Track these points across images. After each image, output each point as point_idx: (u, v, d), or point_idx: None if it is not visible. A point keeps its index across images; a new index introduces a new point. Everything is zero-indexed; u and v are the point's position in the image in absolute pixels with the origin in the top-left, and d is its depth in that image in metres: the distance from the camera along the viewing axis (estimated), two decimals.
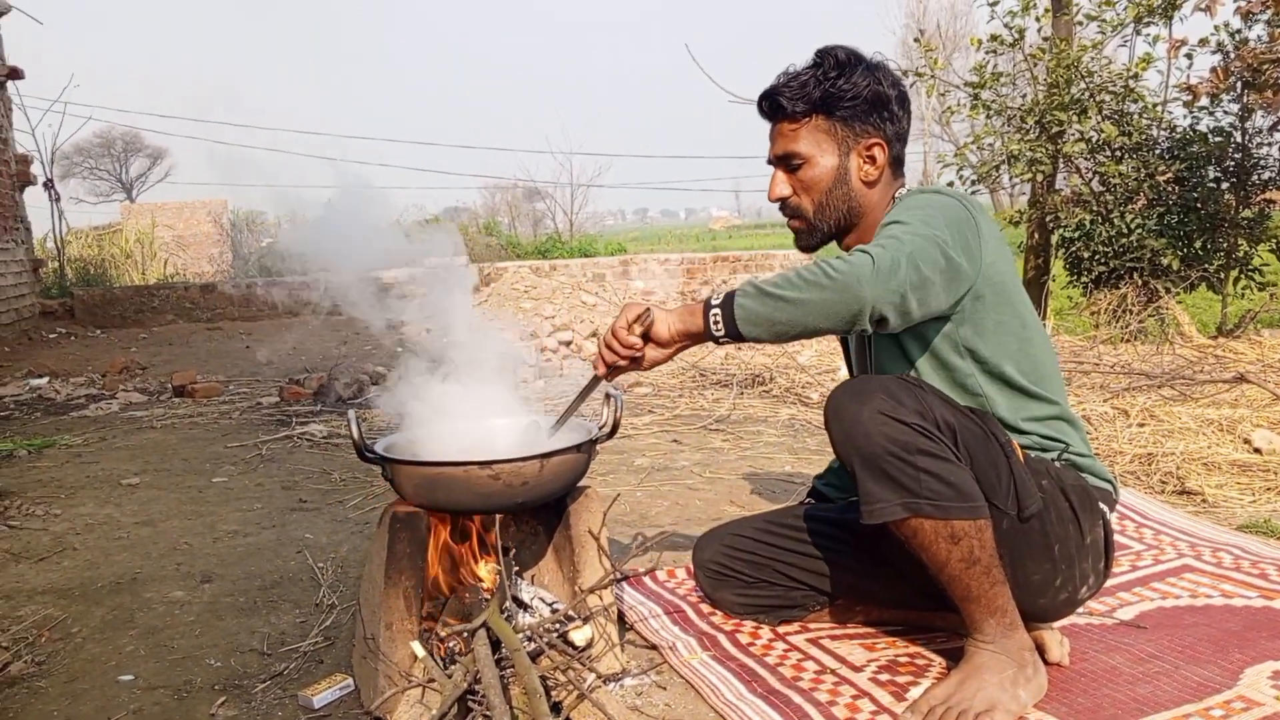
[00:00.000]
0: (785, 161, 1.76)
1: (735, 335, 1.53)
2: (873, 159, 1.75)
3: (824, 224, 1.78)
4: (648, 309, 1.61)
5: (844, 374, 5.20)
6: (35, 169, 9.16)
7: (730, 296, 1.54)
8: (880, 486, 1.51)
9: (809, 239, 1.81)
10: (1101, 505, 1.71)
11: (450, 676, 1.61)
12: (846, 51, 1.74)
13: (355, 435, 1.73)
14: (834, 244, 1.85)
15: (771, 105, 1.76)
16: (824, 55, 1.74)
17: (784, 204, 1.80)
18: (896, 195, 1.76)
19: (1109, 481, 1.76)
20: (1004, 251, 1.68)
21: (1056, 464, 1.70)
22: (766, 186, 1.81)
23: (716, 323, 1.54)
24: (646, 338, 1.62)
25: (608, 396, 1.89)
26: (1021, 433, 1.70)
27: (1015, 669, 1.57)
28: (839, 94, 1.71)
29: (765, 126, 1.82)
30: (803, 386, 4.90)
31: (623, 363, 1.63)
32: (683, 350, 1.65)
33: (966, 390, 1.70)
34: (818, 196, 1.76)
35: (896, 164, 1.78)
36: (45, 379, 6.15)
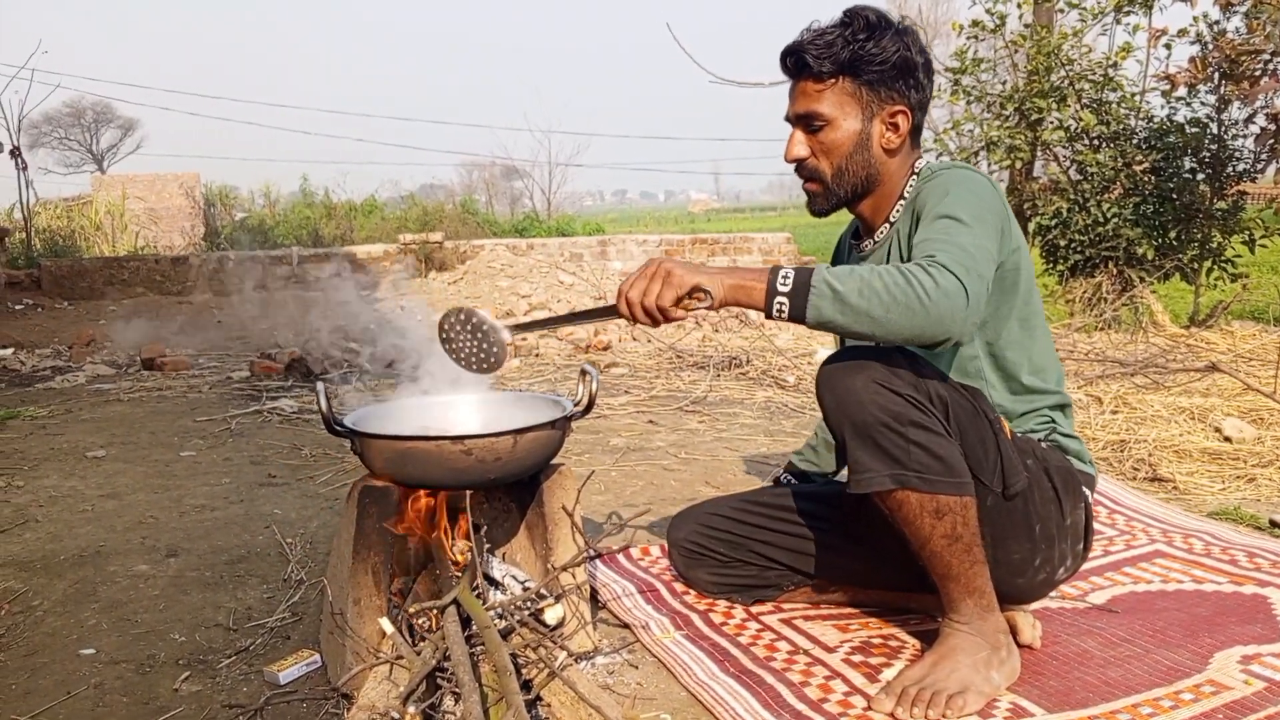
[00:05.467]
0: (806, 122, 1.69)
1: (798, 320, 1.44)
2: (895, 127, 1.69)
3: (841, 189, 1.72)
4: (698, 283, 1.45)
5: (820, 356, 5.20)
6: (1, 136, 8.98)
7: (804, 287, 1.41)
8: (870, 456, 1.49)
9: (823, 203, 1.75)
10: (1084, 489, 1.71)
11: (419, 653, 1.59)
12: (877, 13, 1.67)
13: (324, 408, 1.69)
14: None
15: (796, 62, 1.68)
16: (853, 15, 1.66)
17: (800, 165, 1.73)
18: (916, 167, 1.73)
19: (1091, 465, 1.76)
20: (1023, 240, 1.67)
21: (1043, 444, 1.70)
22: (784, 147, 1.73)
23: (781, 310, 1.44)
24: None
25: (583, 373, 1.86)
26: (1015, 417, 1.70)
27: (989, 651, 1.56)
28: (868, 57, 1.63)
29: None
30: (779, 369, 4.90)
31: (650, 325, 1.50)
32: None
33: (967, 374, 1.69)
34: (837, 161, 1.69)
35: (915, 133, 1.73)
36: (10, 350, 6.04)
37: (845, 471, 1.59)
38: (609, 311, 1.54)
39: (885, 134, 1.69)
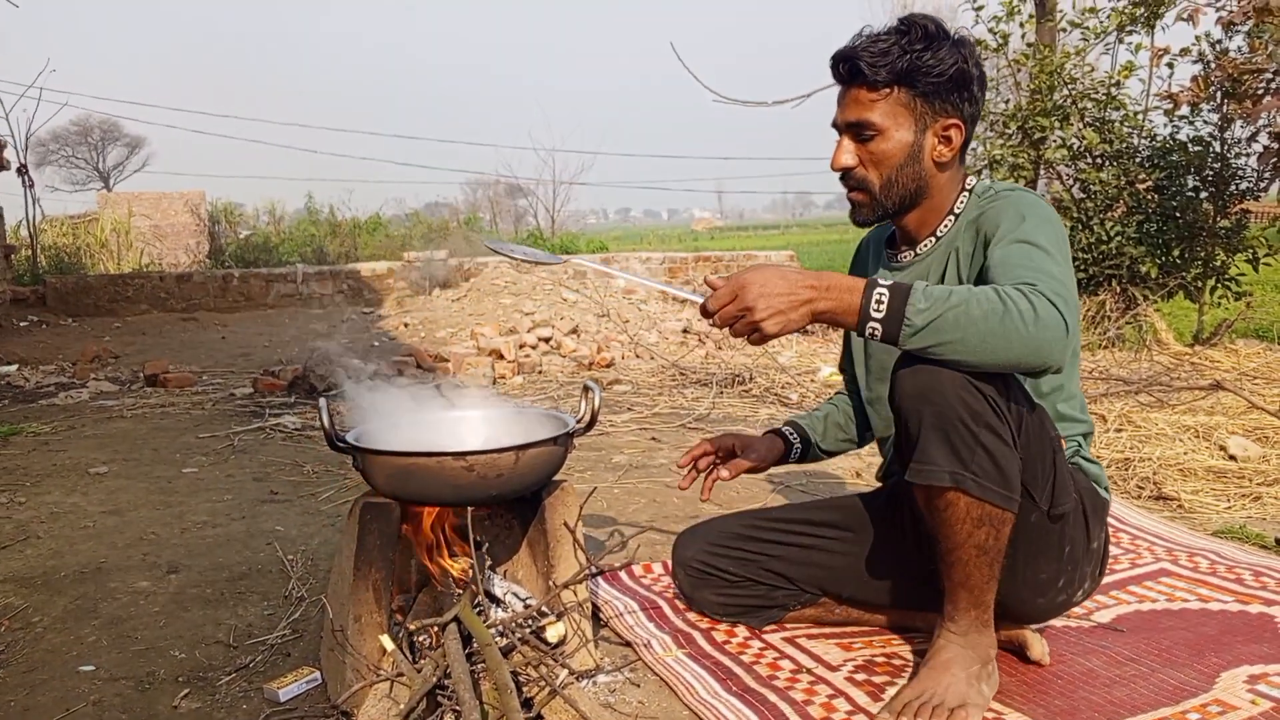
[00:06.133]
0: (855, 130, 1.66)
1: (891, 339, 1.42)
2: (948, 140, 1.67)
3: (888, 201, 1.70)
4: (789, 332, 1.44)
5: (824, 374, 5.20)
6: (9, 154, 9.02)
7: (899, 314, 1.39)
8: (938, 449, 1.46)
9: (869, 214, 1.73)
10: (1104, 516, 1.71)
11: (420, 671, 1.58)
12: (935, 23, 1.64)
13: (326, 424, 1.69)
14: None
15: (849, 69, 1.64)
16: (910, 24, 1.63)
17: (847, 174, 1.70)
18: (967, 185, 1.72)
19: (1107, 492, 1.76)
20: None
21: (1071, 466, 1.70)
22: (830, 154, 1.70)
23: (874, 334, 1.42)
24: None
25: (586, 389, 1.86)
26: None
27: (980, 665, 1.56)
28: (925, 68, 1.60)
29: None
30: (782, 387, 4.89)
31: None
32: None
33: None
34: (887, 172, 1.67)
35: (965, 147, 1.71)
36: (14, 366, 6.05)
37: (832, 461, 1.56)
38: (680, 295, 1.54)
39: (937, 147, 1.67)
